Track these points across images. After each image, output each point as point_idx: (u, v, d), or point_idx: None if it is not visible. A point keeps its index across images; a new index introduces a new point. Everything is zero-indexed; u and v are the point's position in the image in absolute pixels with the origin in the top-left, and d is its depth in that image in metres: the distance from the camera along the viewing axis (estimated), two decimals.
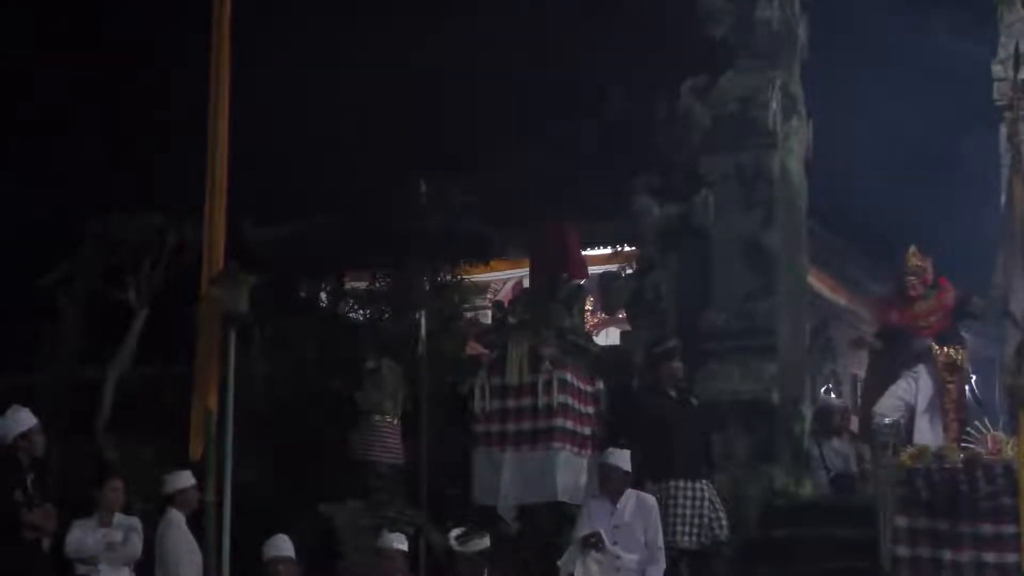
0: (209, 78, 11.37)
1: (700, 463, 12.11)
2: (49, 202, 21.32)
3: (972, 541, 10.34)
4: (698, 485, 11.89)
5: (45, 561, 9.30)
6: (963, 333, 13.37)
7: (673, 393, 12.39)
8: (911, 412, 12.63)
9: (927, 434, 12.44)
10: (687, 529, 11.75)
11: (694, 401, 12.47)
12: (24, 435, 9.34)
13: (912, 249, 13.26)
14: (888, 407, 12.70)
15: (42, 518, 9.17)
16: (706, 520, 11.80)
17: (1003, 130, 15.57)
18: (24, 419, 9.40)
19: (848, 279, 25.54)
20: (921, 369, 12.83)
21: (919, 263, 13.16)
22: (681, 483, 11.88)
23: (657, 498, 11.60)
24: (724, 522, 11.88)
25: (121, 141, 22.65)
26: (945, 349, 12.90)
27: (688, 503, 11.80)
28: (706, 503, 11.85)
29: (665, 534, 11.44)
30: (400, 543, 10.65)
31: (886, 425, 11.28)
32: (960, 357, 12.90)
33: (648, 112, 15.28)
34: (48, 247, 18.98)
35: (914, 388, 12.78)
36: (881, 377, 13.39)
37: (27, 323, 18.84)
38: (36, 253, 19.24)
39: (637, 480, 11.54)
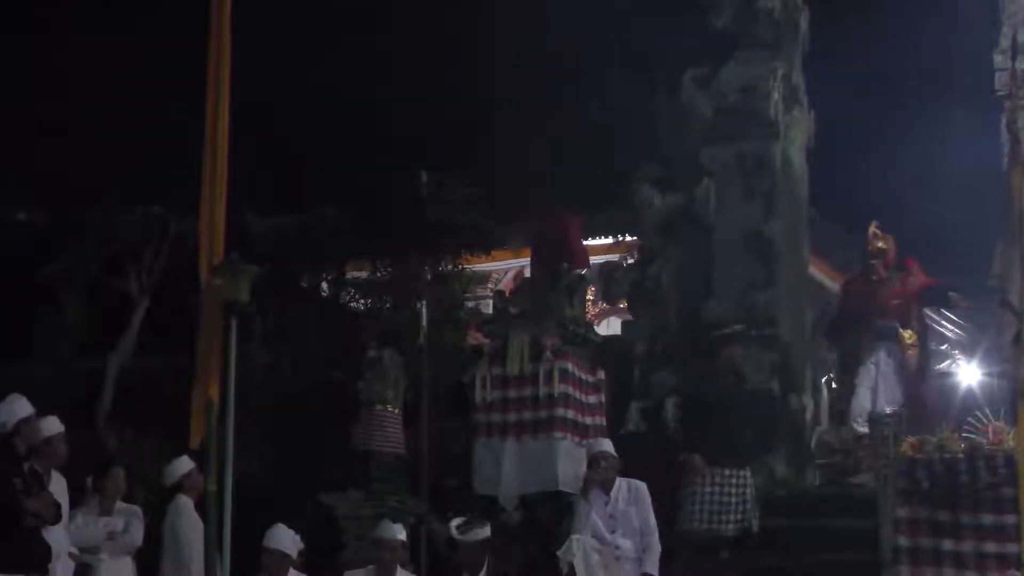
0: (209, 68, 11.35)
1: (748, 450, 12.10)
2: (50, 192, 21.31)
3: (973, 531, 10.33)
4: (742, 473, 11.89)
5: (45, 549, 9.30)
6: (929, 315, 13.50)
7: (732, 378, 12.36)
8: (875, 395, 12.81)
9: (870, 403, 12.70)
10: (732, 517, 11.76)
11: (748, 387, 12.43)
12: (22, 423, 9.32)
13: (873, 229, 13.25)
14: (859, 408, 12.83)
15: (42, 505, 9.17)
16: (749, 507, 11.81)
17: (1004, 120, 15.52)
18: (21, 407, 9.38)
19: (850, 268, 25.50)
20: (882, 352, 12.93)
21: (882, 244, 13.17)
22: (728, 471, 11.85)
23: (707, 482, 11.68)
24: (757, 512, 11.89)
25: (121, 130, 22.64)
26: (907, 332, 13.02)
27: (734, 491, 11.80)
28: (748, 491, 11.86)
29: (710, 521, 11.58)
30: (399, 534, 10.63)
31: (886, 415, 11.27)
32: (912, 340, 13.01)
33: (649, 102, 15.28)
34: (48, 238, 18.99)
35: (873, 373, 12.89)
36: (844, 357, 13.52)
37: (27, 313, 18.85)
38: (36, 244, 19.25)
39: (687, 455, 11.61)
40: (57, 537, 10.02)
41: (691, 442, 12.10)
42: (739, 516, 11.76)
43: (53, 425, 10.17)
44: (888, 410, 12.32)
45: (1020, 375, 9.13)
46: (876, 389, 12.87)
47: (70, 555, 10.27)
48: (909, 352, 13.06)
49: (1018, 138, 12.57)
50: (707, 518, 11.76)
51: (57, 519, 9.39)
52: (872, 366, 12.92)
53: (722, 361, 12.47)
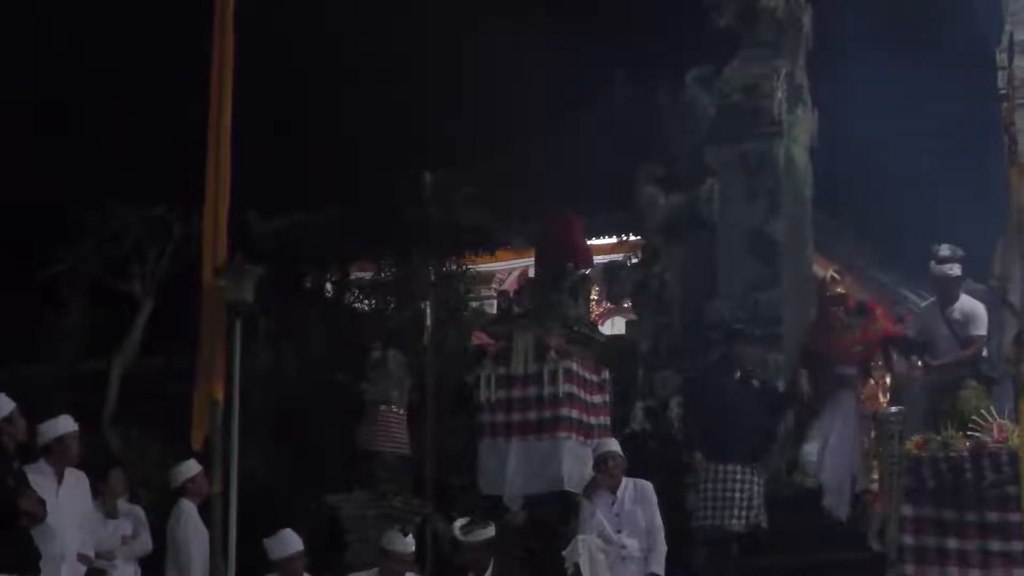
0: (212, 68, 11.36)
1: (755, 448, 12.12)
2: (53, 192, 21.31)
3: (978, 529, 10.33)
4: (748, 469, 11.91)
5: (35, 551, 9.26)
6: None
7: (737, 375, 12.35)
8: (826, 444, 12.14)
9: (835, 471, 12.05)
10: (737, 513, 11.81)
11: (756, 383, 12.41)
12: (6, 420, 9.26)
13: (830, 273, 12.77)
14: (810, 450, 12.34)
15: (31, 504, 9.12)
16: (756, 504, 11.84)
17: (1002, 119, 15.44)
18: (3, 404, 9.32)
19: (854, 267, 25.51)
20: (840, 400, 12.26)
21: (840, 289, 12.60)
22: (732, 467, 11.89)
23: (709, 478, 11.75)
24: (764, 508, 11.92)
25: (125, 130, 22.64)
26: (870, 380, 12.48)
27: (738, 487, 11.84)
28: (756, 487, 11.89)
29: (716, 518, 11.66)
30: (410, 547, 10.57)
31: (892, 414, 11.21)
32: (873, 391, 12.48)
33: (653, 101, 15.28)
34: (52, 238, 18.98)
35: (826, 426, 12.21)
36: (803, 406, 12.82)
37: (31, 314, 18.85)
38: (39, 244, 19.24)
39: (688, 453, 11.63)
40: (70, 537, 10.03)
41: (694, 440, 12.15)
42: (745, 512, 11.80)
43: (66, 424, 10.18)
44: (812, 458, 12.11)
45: (1021, 374, 9.11)
46: (825, 448, 12.18)
47: (80, 557, 10.21)
48: (870, 403, 12.39)
49: (1015, 138, 12.58)
50: (711, 515, 11.81)
51: (44, 517, 9.33)
52: (827, 418, 12.24)
53: (727, 358, 12.50)
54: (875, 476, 11.62)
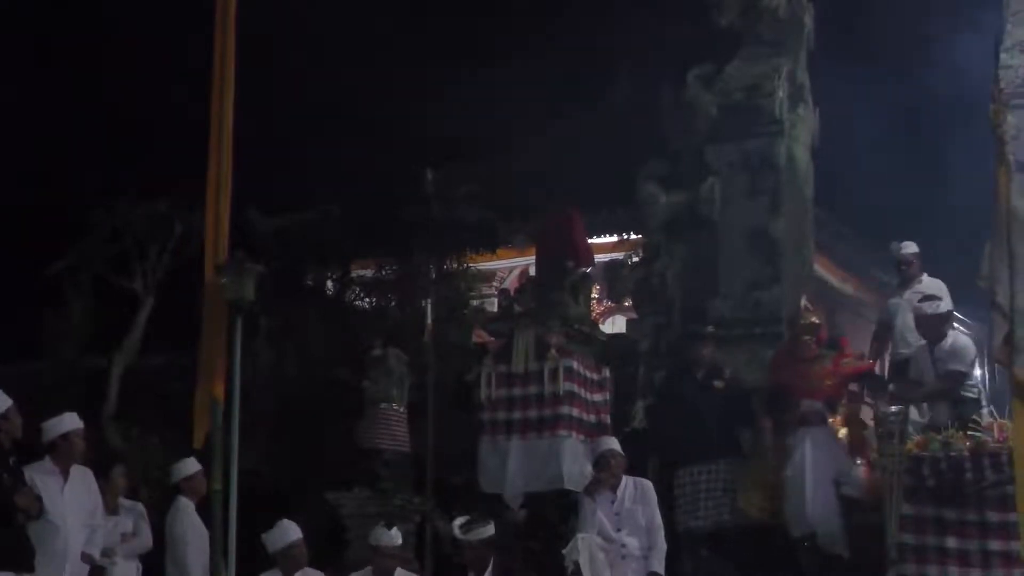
0: (213, 65, 11.38)
1: (719, 447, 12.14)
2: (55, 189, 21.32)
3: (978, 529, 10.34)
4: (712, 468, 11.99)
5: (31, 548, 9.26)
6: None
7: (699, 376, 12.45)
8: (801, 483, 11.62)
9: (817, 510, 11.55)
10: (700, 513, 11.94)
11: (718, 384, 12.44)
12: (2, 417, 9.26)
13: (803, 303, 12.47)
14: (795, 505, 11.69)
15: (27, 501, 9.11)
16: (718, 500, 11.87)
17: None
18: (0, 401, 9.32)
19: (854, 267, 25.50)
20: (806, 436, 11.79)
21: (813, 319, 12.26)
22: (697, 468, 12.05)
23: (680, 481, 11.90)
24: (732, 506, 11.92)
25: (126, 128, 22.66)
26: (835, 417, 12.12)
27: (703, 487, 11.96)
28: (719, 484, 11.95)
29: (685, 519, 11.82)
30: (396, 540, 10.64)
31: (892, 413, 11.20)
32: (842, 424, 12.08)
33: (654, 100, 15.27)
34: (54, 236, 18.99)
35: (798, 464, 11.69)
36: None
37: (32, 311, 18.87)
38: (42, 242, 19.25)
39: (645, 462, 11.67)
40: (74, 534, 10.04)
41: (656, 443, 12.22)
42: (706, 511, 11.90)
43: (72, 421, 10.20)
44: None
45: (1015, 375, 9.10)
46: (804, 487, 11.61)
47: (84, 556, 10.21)
48: (843, 439, 12.08)
49: (1003, 139, 12.55)
50: (682, 518, 11.94)
51: (40, 513, 9.33)
52: (797, 457, 11.73)
53: (690, 361, 12.60)
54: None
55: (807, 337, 12.15)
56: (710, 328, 12.93)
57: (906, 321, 12.90)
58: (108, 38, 23.08)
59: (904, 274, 13.50)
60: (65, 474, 10.06)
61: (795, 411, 11.93)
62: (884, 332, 13.48)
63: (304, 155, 22.97)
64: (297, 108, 23.19)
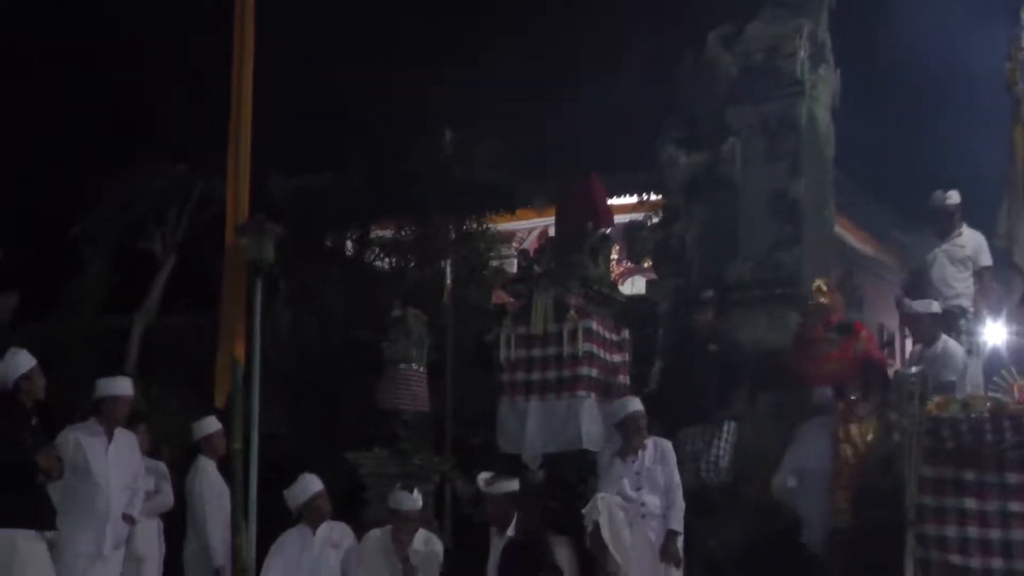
0: (234, 29, 11.36)
1: (716, 409, 12.26)
2: (74, 153, 21.36)
3: (998, 491, 10.32)
4: (709, 429, 12.15)
5: (51, 507, 9.31)
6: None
7: (699, 341, 12.56)
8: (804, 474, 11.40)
9: (813, 503, 11.32)
10: (704, 467, 12.06)
11: (713, 348, 12.49)
12: (24, 377, 9.27)
13: (818, 283, 12.19)
14: (783, 478, 11.58)
15: (49, 461, 9.16)
16: (721, 458, 12.00)
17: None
18: (23, 361, 9.29)
19: (875, 228, 25.47)
20: (815, 426, 11.57)
21: (823, 300, 11.95)
22: (692, 430, 12.18)
23: (682, 442, 11.87)
24: (724, 464, 12.04)
25: (147, 91, 22.67)
26: (840, 403, 11.49)
27: (689, 448, 12.05)
28: (718, 443, 12.11)
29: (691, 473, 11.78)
30: (416, 504, 10.62)
31: (912, 374, 11.14)
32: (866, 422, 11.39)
33: (675, 62, 15.21)
34: (74, 198, 19.05)
35: (799, 450, 11.54)
36: (780, 427, 12.14)
37: (52, 273, 18.95)
38: (62, 204, 19.31)
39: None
40: (116, 495, 10.13)
41: (663, 406, 12.26)
42: (712, 467, 12.04)
43: (123, 386, 10.37)
44: (791, 483, 11.43)
45: None
46: (803, 478, 11.41)
47: (125, 517, 10.33)
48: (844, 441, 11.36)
49: (1020, 97, 12.47)
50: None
51: (61, 474, 9.38)
52: (803, 445, 11.50)
53: (691, 326, 12.77)
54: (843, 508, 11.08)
55: (813, 317, 11.96)
56: (709, 293, 12.93)
57: (943, 273, 12.82)
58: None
59: (944, 225, 13.12)
60: (110, 435, 10.18)
61: (804, 400, 11.91)
62: (917, 282, 13.28)
63: (324, 116, 22.96)
64: (317, 69, 23.18)
